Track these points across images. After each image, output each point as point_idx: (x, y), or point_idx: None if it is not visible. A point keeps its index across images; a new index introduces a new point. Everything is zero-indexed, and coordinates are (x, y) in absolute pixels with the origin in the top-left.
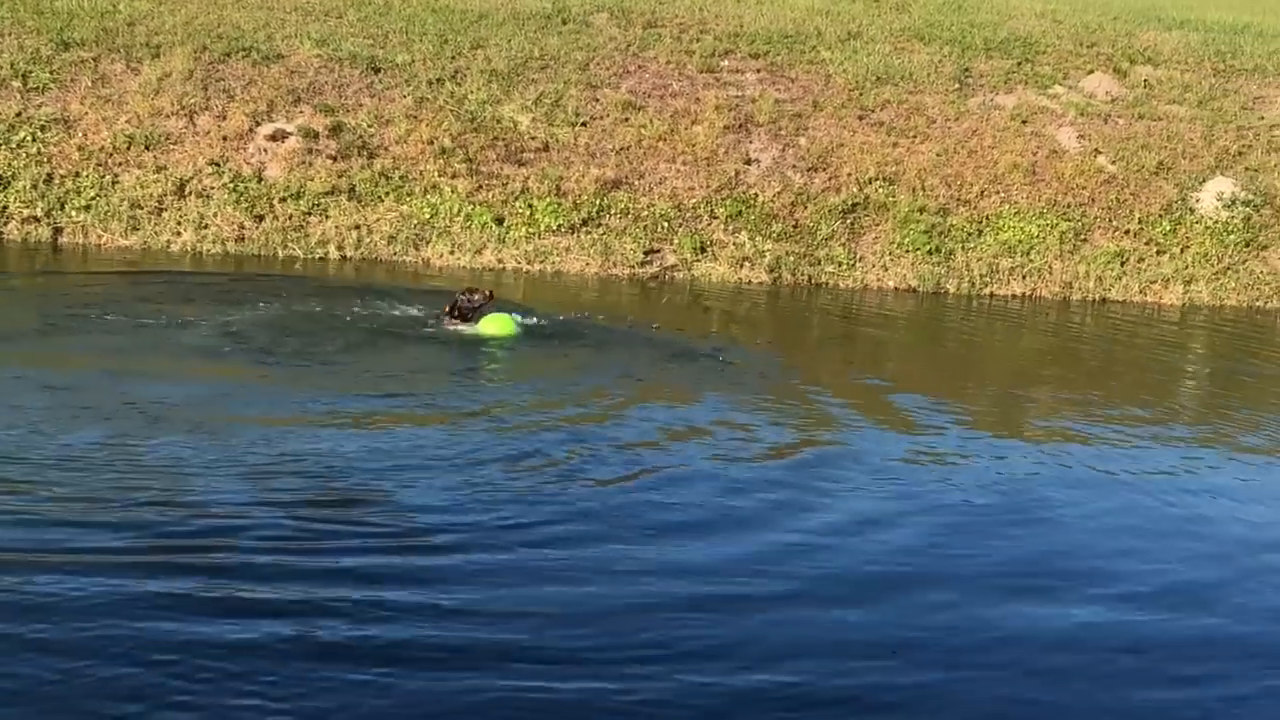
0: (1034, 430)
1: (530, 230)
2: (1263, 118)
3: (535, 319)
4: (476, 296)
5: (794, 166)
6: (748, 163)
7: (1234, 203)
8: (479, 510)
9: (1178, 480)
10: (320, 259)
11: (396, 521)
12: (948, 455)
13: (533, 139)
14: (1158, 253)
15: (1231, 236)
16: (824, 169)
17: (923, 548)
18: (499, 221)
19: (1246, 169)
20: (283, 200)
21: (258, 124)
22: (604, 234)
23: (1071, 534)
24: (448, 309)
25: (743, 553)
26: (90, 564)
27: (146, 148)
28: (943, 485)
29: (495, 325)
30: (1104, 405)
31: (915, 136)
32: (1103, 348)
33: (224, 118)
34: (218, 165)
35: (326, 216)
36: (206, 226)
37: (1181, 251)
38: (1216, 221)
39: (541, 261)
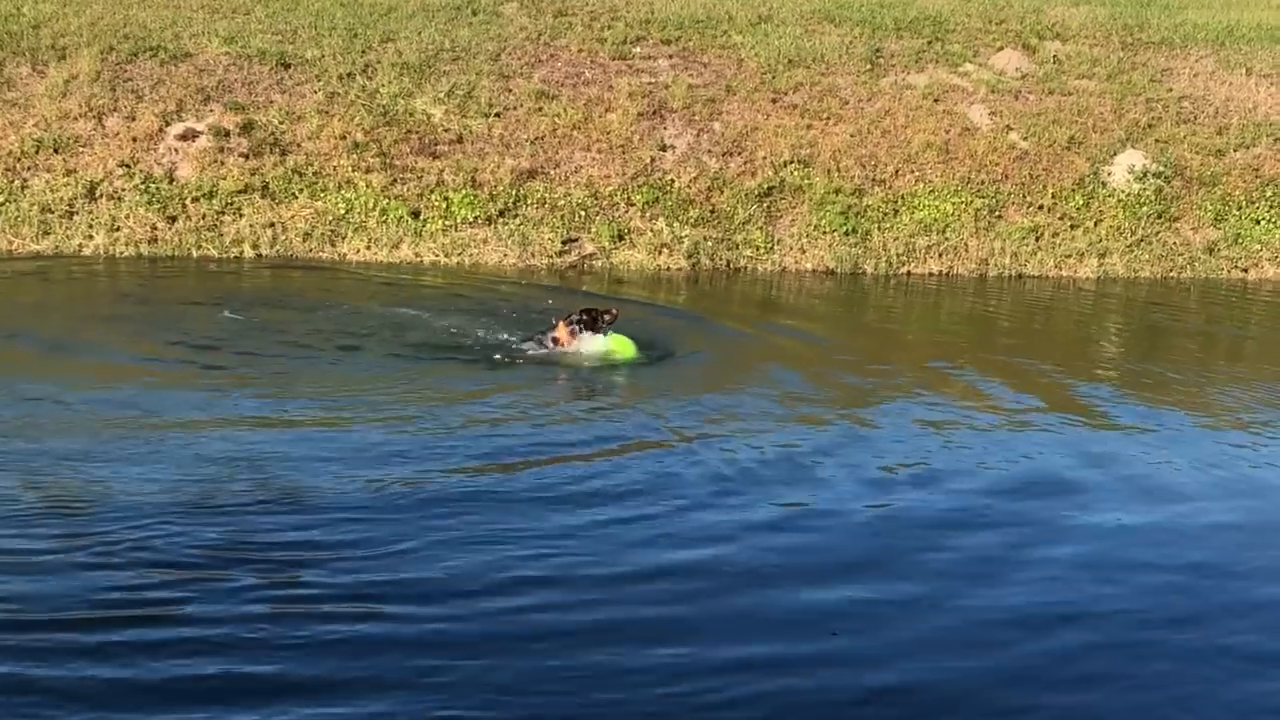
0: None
1: (447, 223)
2: (1171, 89)
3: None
4: (603, 318)
5: (709, 151)
6: (663, 149)
7: (1145, 175)
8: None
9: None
10: (235, 258)
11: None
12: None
13: (446, 131)
14: (1072, 227)
15: (1144, 209)
16: (739, 153)
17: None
18: (415, 215)
19: (1157, 141)
20: (195, 200)
21: (167, 124)
22: (521, 224)
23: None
24: (562, 329)
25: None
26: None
27: (55, 151)
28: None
29: (616, 347)
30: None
31: (829, 118)
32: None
33: (133, 119)
34: (128, 167)
35: (240, 215)
36: (118, 229)
37: (1095, 225)
38: (1128, 194)
39: (459, 254)
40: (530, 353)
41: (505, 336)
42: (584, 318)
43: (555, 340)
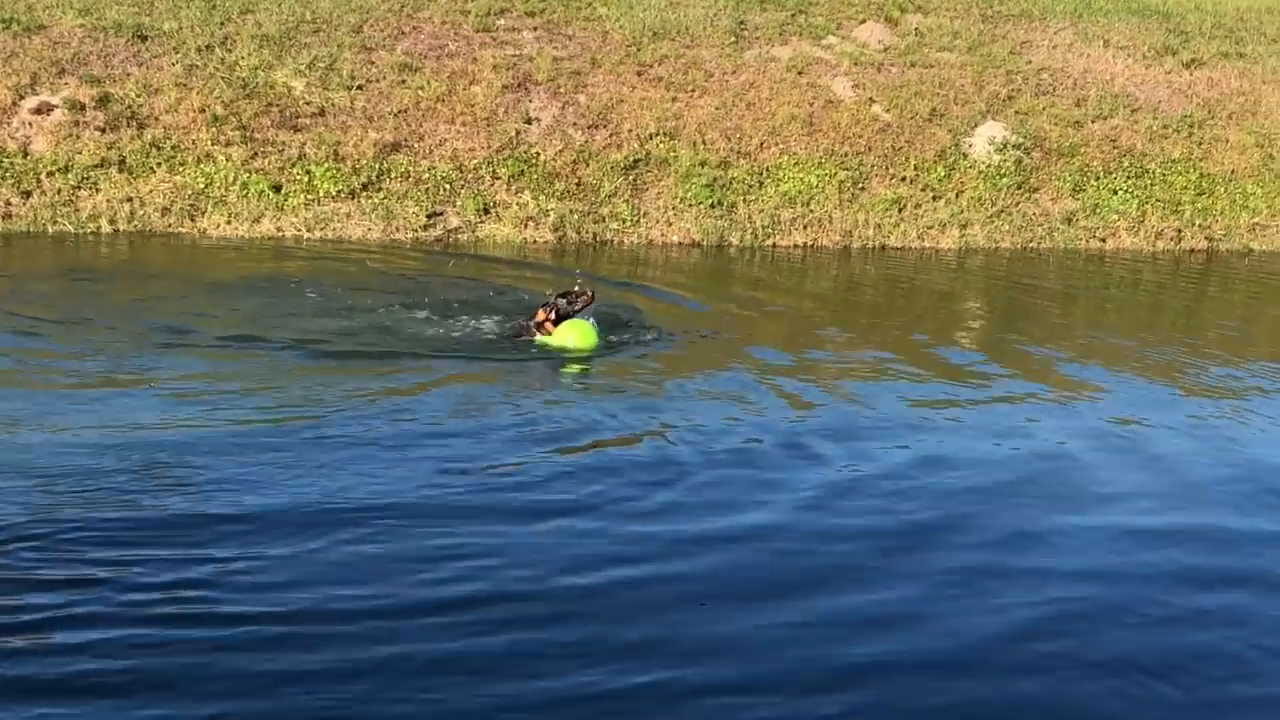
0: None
1: (309, 197)
2: (1030, 61)
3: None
4: (578, 302)
5: (575, 124)
6: (528, 122)
7: (1005, 146)
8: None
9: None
10: (92, 234)
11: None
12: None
13: (308, 104)
14: (934, 198)
15: (1004, 180)
16: (604, 126)
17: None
18: (276, 189)
19: (1016, 113)
20: (50, 175)
21: (21, 97)
22: (385, 198)
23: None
24: (541, 317)
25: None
26: None
27: None
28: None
29: (575, 335)
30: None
31: (694, 90)
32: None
33: None
34: None
35: (97, 190)
36: None
37: (956, 196)
38: (989, 165)
39: (322, 228)
40: (520, 338)
41: (480, 321)
42: (554, 304)
43: (539, 327)
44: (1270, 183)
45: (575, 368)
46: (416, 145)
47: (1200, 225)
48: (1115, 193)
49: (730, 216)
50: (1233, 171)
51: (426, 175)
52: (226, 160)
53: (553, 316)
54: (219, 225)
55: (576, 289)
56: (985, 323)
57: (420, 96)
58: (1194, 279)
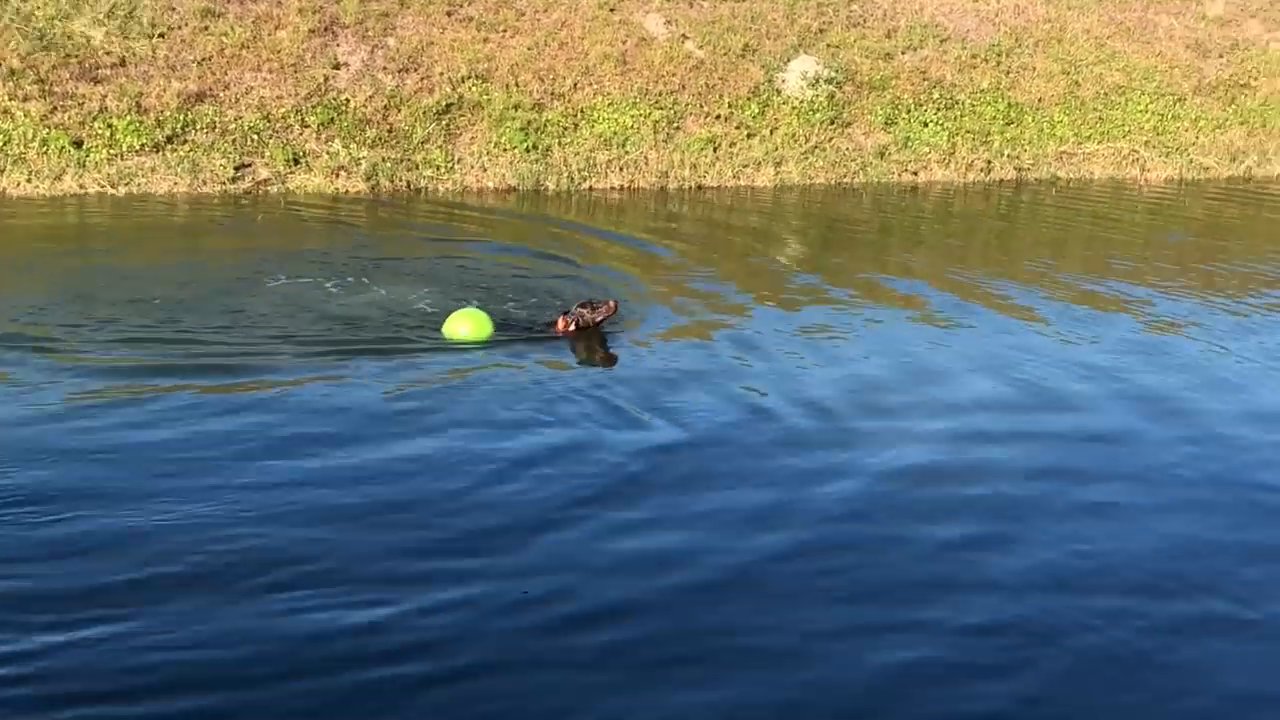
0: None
1: (112, 152)
2: None
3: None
4: (599, 312)
5: (384, 69)
6: (336, 67)
7: (818, 81)
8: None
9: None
10: None
11: None
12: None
13: (108, 54)
14: (748, 136)
15: (817, 115)
16: (415, 70)
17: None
18: (78, 144)
19: (828, 46)
20: None
21: None
22: (191, 151)
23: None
24: (563, 324)
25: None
26: None
27: None
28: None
29: (468, 323)
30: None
31: (505, 31)
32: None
33: None
34: None
35: None
36: None
37: (771, 133)
38: (802, 101)
39: (126, 184)
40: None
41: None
42: (575, 314)
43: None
44: (1076, 110)
45: (474, 355)
46: (222, 95)
47: (1009, 155)
48: (926, 125)
49: (545, 160)
50: (1040, 100)
51: (233, 126)
52: (24, 116)
53: (573, 327)
54: (19, 184)
55: (598, 299)
56: (833, 253)
57: (224, 43)
58: (1004, 209)
